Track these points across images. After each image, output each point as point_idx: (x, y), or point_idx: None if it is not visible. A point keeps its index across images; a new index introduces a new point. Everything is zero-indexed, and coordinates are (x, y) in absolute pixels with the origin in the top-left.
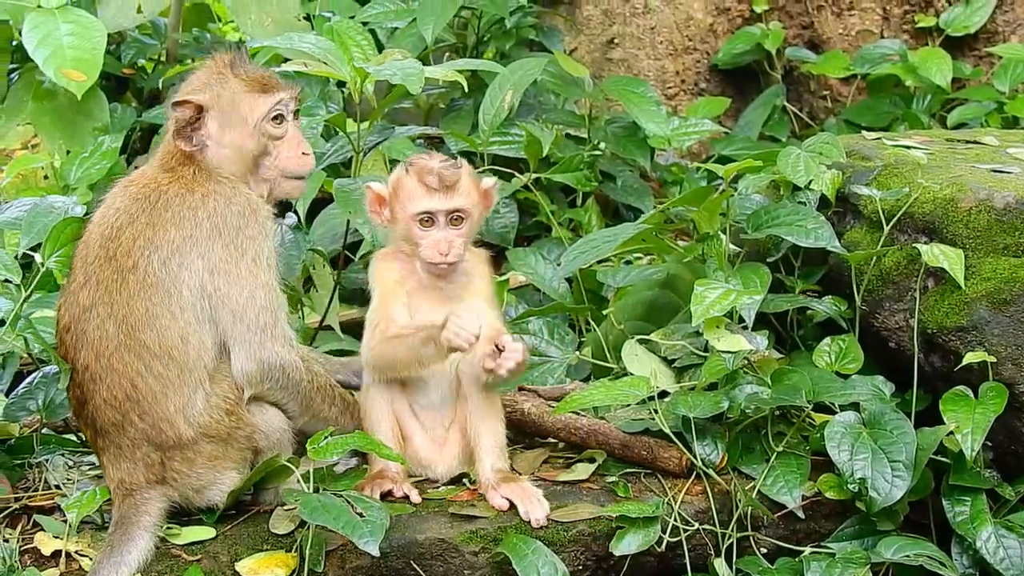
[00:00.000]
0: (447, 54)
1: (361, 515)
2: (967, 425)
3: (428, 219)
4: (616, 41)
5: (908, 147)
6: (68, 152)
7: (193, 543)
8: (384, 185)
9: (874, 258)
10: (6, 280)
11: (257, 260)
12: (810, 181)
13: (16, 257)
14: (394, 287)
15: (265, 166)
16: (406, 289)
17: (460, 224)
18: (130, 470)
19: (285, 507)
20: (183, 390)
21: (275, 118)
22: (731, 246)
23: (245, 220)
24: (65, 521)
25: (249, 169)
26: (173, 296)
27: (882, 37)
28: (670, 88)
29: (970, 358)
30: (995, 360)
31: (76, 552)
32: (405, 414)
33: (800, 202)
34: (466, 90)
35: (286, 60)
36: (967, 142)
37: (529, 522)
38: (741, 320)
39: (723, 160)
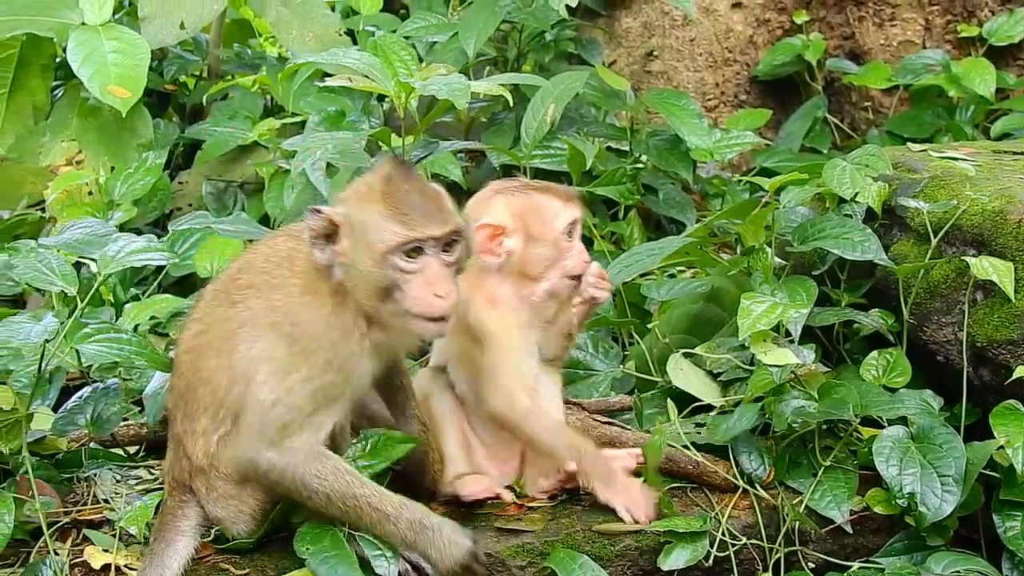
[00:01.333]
0: (487, 68)
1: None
2: (1018, 439)
3: (571, 231)
4: (655, 53)
5: (955, 159)
6: (112, 168)
7: (237, 552)
8: (497, 216)
9: (922, 271)
10: (62, 291)
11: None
12: (856, 193)
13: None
14: (514, 333)
15: (394, 300)
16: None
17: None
18: (172, 462)
19: None
20: (211, 422)
21: (411, 252)
22: (776, 259)
23: (332, 344)
24: (114, 535)
25: (376, 299)
26: (235, 353)
27: (924, 47)
28: (710, 100)
29: (1021, 371)
30: None
31: (125, 566)
32: (466, 425)
33: (846, 215)
34: (510, 104)
35: (328, 75)
36: (1014, 153)
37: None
38: (788, 334)
39: (765, 172)
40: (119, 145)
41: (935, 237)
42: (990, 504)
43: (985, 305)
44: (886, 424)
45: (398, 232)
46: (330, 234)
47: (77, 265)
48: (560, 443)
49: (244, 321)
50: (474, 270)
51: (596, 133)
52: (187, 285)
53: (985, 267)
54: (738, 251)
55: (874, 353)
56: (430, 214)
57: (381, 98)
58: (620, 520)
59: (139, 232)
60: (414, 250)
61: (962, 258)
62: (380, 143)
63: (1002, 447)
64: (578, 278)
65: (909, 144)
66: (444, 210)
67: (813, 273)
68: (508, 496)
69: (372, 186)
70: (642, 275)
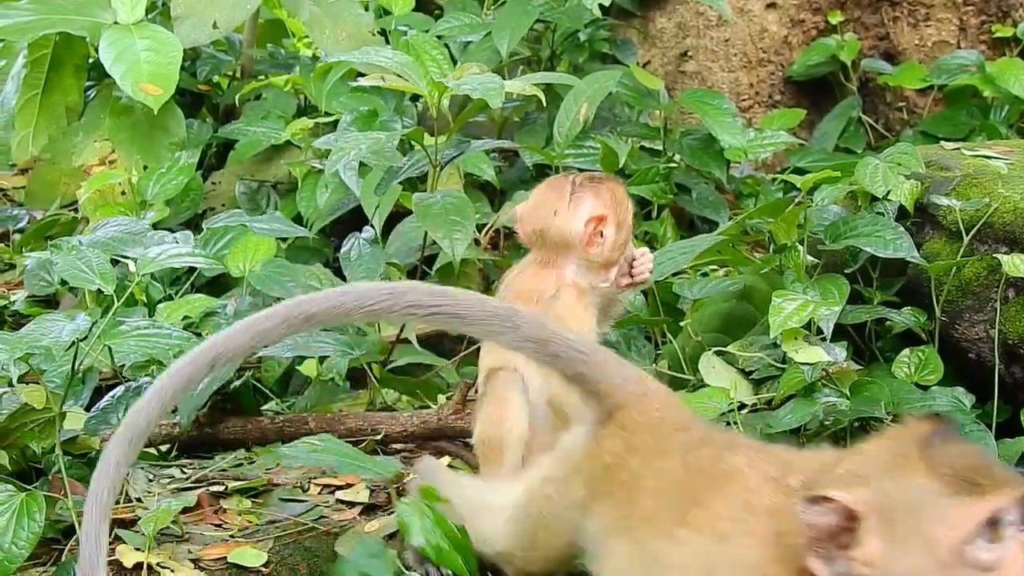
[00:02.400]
0: (520, 67)
1: None
2: None
3: None
4: (690, 54)
5: (988, 157)
6: (145, 168)
7: (245, 567)
8: (596, 207)
9: (954, 269)
10: (98, 290)
11: None
12: (888, 192)
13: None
14: (590, 323)
15: None
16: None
17: None
18: None
19: None
20: None
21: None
22: (808, 257)
23: None
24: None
25: None
26: None
27: (959, 47)
28: (744, 100)
29: None
30: None
31: (158, 564)
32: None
33: (878, 213)
34: (543, 103)
35: (361, 75)
36: None
37: None
38: (819, 331)
39: (799, 172)
40: (152, 144)
41: (967, 235)
42: None
43: (1017, 303)
44: None
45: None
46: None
47: (112, 263)
48: None
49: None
50: (545, 261)
51: (629, 132)
52: (219, 285)
53: (1017, 264)
54: (770, 250)
55: (906, 351)
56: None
57: (415, 98)
58: None
59: (171, 231)
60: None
61: (994, 255)
62: (413, 143)
63: None
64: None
65: (942, 142)
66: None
67: (845, 271)
68: None
69: (906, 455)
70: (674, 274)
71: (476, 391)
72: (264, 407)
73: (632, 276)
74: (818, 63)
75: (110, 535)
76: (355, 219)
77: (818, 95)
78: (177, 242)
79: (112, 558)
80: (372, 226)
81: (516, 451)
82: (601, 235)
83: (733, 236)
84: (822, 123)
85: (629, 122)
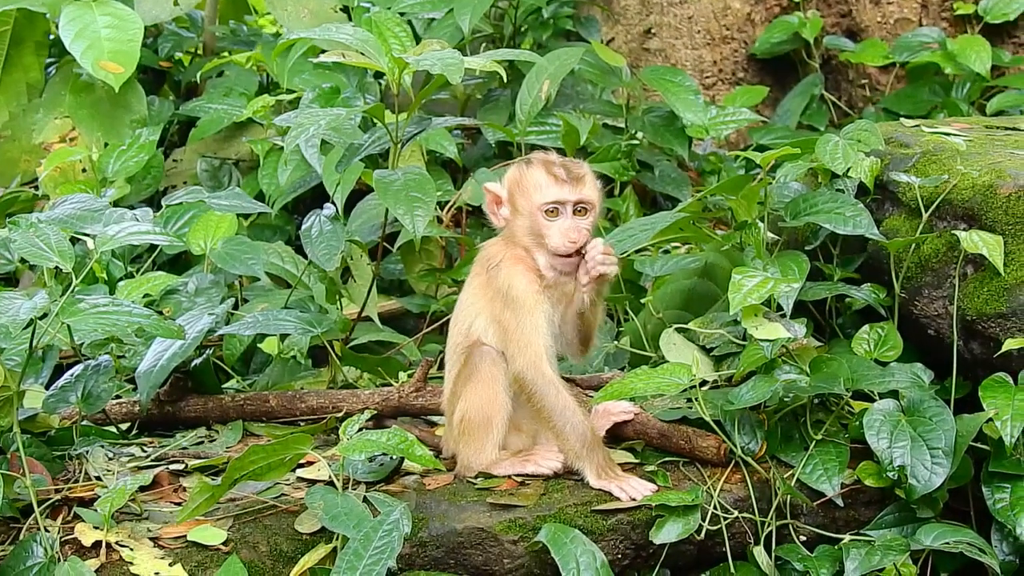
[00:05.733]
0: (484, 45)
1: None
2: (1006, 412)
3: (554, 210)
4: (653, 31)
5: (947, 134)
6: (106, 145)
7: (205, 546)
8: (499, 184)
9: (913, 245)
10: (56, 268)
11: None
12: (848, 169)
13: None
14: (538, 298)
15: None
16: (545, 296)
17: (585, 216)
18: None
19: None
20: None
21: None
22: (769, 234)
23: None
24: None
25: None
26: None
27: (920, 25)
28: (708, 78)
29: (1010, 344)
30: None
31: (116, 543)
32: None
33: (838, 189)
34: (504, 80)
35: (324, 51)
36: (1007, 129)
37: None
38: (779, 308)
39: (761, 149)
40: (112, 121)
41: (926, 211)
42: (980, 476)
43: (975, 279)
44: (877, 398)
45: None
46: None
47: (72, 241)
48: (571, 427)
49: None
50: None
51: (592, 110)
52: (181, 263)
53: (975, 241)
54: (732, 227)
55: (866, 327)
56: None
57: (378, 75)
58: (615, 499)
59: (132, 209)
60: None
61: (952, 232)
62: (374, 120)
63: (991, 420)
64: (569, 256)
65: (902, 119)
66: None
67: (806, 248)
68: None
69: None
70: (637, 251)
71: (440, 368)
72: (225, 385)
73: (587, 271)
74: (781, 40)
75: (69, 514)
76: (318, 196)
77: (781, 72)
78: (136, 219)
79: (71, 537)
80: (333, 203)
81: (502, 429)
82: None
83: (693, 213)
84: (785, 100)
85: (592, 99)
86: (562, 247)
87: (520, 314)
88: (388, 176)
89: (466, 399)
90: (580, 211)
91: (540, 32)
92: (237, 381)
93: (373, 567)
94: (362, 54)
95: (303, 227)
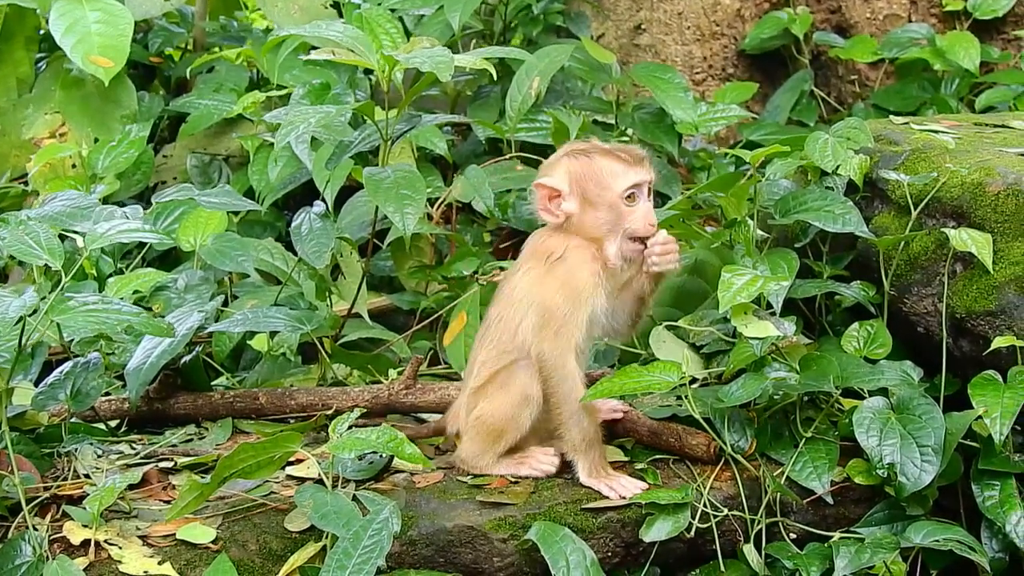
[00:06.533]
0: (474, 41)
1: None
2: (995, 409)
3: (633, 195)
4: (643, 27)
5: (936, 131)
6: (96, 140)
7: (194, 544)
8: (555, 179)
9: (902, 243)
10: (46, 265)
11: None
12: (838, 166)
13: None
14: (594, 292)
15: None
16: (603, 290)
17: (650, 197)
18: None
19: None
20: None
21: None
22: (759, 232)
23: None
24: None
25: None
26: None
27: (910, 21)
28: (698, 74)
29: (999, 342)
30: None
31: (105, 541)
32: None
33: (828, 187)
34: (494, 78)
35: (314, 48)
36: (995, 126)
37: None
38: (769, 306)
39: (751, 145)
40: (102, 117)
41: (915, 209)
42: (969, 474)
43: (964, 277)
44: (867, 395)
45: None
46: None
47: (61, 238)
48: (576, 419)
49: None
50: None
51: (582, 106)
52: (171, 259)
53: (964, 239)
54: (722, 224)
55: (855, 325)
56: None
57: (368, 71)
58: (605, 498)
59: (123, 205)
60: None
61: (942, 230)
62: (364, 117)
63: (980, 417)
64: (645, 240)
65: (891, 117)
66: None
67: (796, 246)
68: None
69: None
70: None
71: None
72: (215, 382)
73: (649, 263)
74: (771, 36)
75: (57, 512)
76: (308, 193)
77: (771, 68)
78: (126, 217)
79: (59, 535)
80: (324, 200)
81: (508, 444)
82: (559, 206)
83: (683, 210)
84: (774, 96)
85: (582, 96)
86: (647, 230)
87: (571, 303)
88: (378, 173)
89: (491, 402)
90: (649, 192)
91: (530, 28)
92: (227, 378)
93: (363, 566)
94: (352, 51)
95: (293, 224)
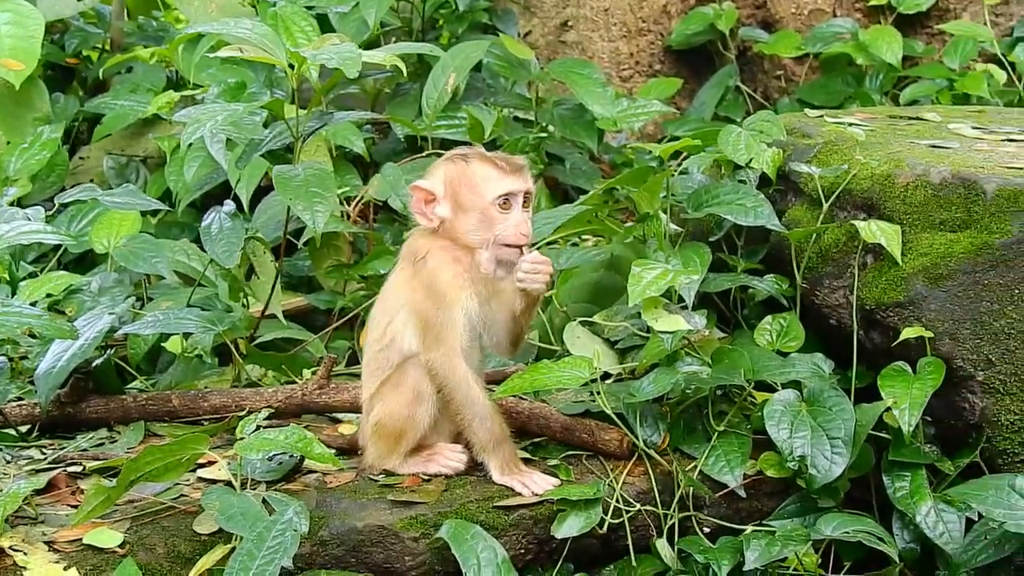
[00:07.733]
0: (396, 38)
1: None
2: (904, 400)
3: (507, 202)
4: (570, 23)
5: (848, 124)
6: (8, 143)
7: (101, 548)
8: (430, 182)
9: (814, 235)
10: None
11: None
12: (751, 160)
13: None
14: (460, 293)
15: None
16: (471, 292)
17: (527, 207)
18: None
19: None
20: None
21: None
22: (673, 226)
23: None
24: None
25: None
26: None
27: (835, 16)
28: (625, 70)
29: (907, 333)
30: (932, 335)
31: (10, 547)
32: None
33: (741, 181)
34: (406, 75)
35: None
36: (909, 119)
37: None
38: (681, 300)
39: (675, 141)
40: (14, 120)
41: (826, 202)
42: (880, 465)
43: (874, 268)
44: (779, 388)
45: None
46: None
47: None
48: (479, 421)
49: None
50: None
51: (502, 103)
52: (87, 262)
53: (874, 231)
54: (636, 218)
55: (768, 318)
56: None
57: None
58: (517, 495)
59: (40, 207)
60: None
61: (852, 222)
62: (275, 115)
63: (890, 408)
64: (519, 248)
65: (805, 110)
66: None
67: (710, 239)
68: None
69: None
70: (548, 244)
71: (349, 364)
72: (129, 385)
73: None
74: (697, 32)
75: None
76: (226, 193)
77: (698, 64)
78: (28, 218)
79: None
80: (235, 199)
81: (411, 443)
82: (433, 209)
83: (596, 205)
84: (700, 92)
85: (503, 92)
86: (518, 239)
87: (440, 306)
88: (288, 171)
89: (386, 405)
90: (526, 202)
91: (456, 26)
92: (141, 381)
93: (266, 567)
94: (262, 48)
95: (203, 224)
